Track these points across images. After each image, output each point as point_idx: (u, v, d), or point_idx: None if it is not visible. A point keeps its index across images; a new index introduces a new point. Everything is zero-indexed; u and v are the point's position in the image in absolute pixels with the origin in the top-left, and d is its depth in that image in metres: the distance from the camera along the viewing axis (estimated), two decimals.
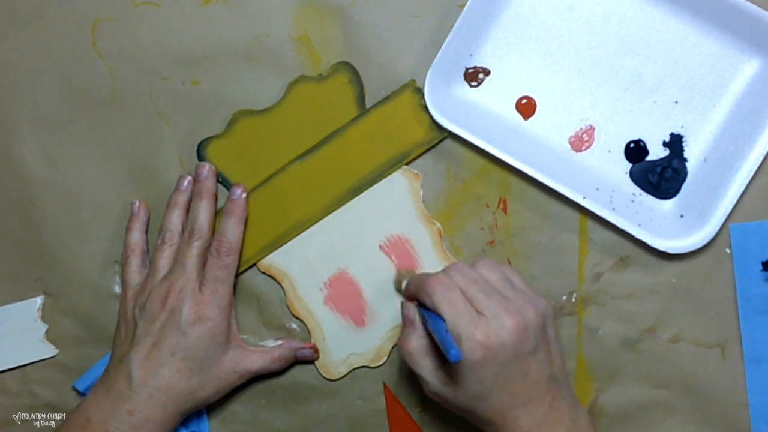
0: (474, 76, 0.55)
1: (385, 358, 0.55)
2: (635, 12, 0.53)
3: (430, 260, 0.54)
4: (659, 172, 0.54)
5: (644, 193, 0.54)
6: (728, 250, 0.53)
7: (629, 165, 0.54)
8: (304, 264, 0.55)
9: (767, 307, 0.52)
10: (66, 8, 0.57)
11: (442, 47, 0.52)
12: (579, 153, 0.54)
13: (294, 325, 0.56)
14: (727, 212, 0.51)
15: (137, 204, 0.56)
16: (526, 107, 0.54)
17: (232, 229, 0.53)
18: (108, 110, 0.57)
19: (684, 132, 0.54)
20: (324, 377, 0.55)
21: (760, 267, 0.52)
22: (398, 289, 0.53)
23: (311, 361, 0.55)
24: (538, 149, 0.54)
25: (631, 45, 0.53)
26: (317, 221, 0.55)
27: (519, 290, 0.47)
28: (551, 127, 0.54)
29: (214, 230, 0.54)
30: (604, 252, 0.54)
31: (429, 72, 0.52)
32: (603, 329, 0.54)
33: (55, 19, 0.57)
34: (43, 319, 0.57)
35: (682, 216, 0.53)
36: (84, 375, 0.56)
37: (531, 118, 0.54)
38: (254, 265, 0.56)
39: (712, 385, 0.53)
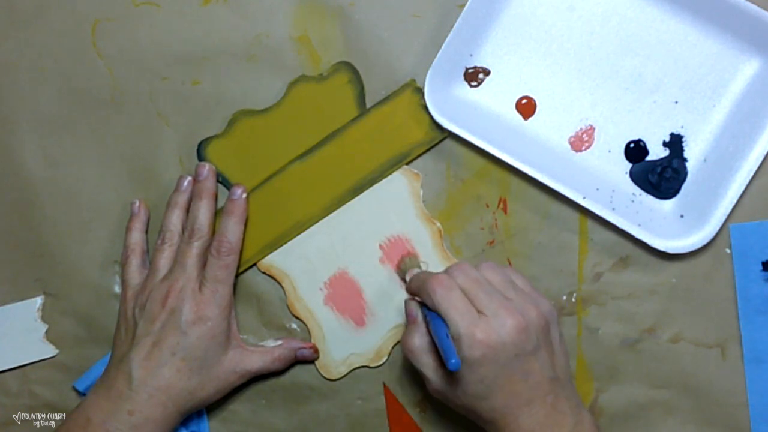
0: (474, 76, 0.55)
1: (385, 358, 0.55)
2: (635, 12, 0.53)
3: (430, 260, 0.54)
4: (659, 172, 0.54)
5: (644, 193, 0.54)
6: (728, 250, 0.53)
7: (629, 165, 0.54)
8: (304, 264, 0.55)
9: (767, 307, 0.52)
10: (66, 8, 0.57)
11: (442, 47, 0.52)
12: (579, 153, 0.54)
13: (294, 325, 0.56)
14: (727, 212, 0.51)
15: (137, 204, 0.56)
16: (526, 107, 0.54)
17: (232, 229, 0.53)
18: (108, 110, 0.57)
19: (684, 132, 0.54)
20: (324, 377, 0.55)
21: (760, 267, 0.52)
22: (402, 277, 0.53)
23: (311, 361, 0.55)
24: (538, 149, 0.54)
25: (631, 45, 0.53)
26: (317, 221, 0.55)
27: (521, 291, 0.47)
28: (551, 127, 0.54)
29: (214, 230, 0.54)
30: (604, 252, 0.54)
31: (429, 72, 0.52)
32: (603, 329, 0.54)
33: (55, 19, 0.57)
34: (43, 319, 0.57)
35: (682, 216, 0.53)
36: (84, 375, 0.56)
37: (531, 118, 0.54)
38: (254, 265, 0.56)
39: (712, 385, 0.53)
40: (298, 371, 0.55)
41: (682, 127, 0.53)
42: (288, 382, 0.55)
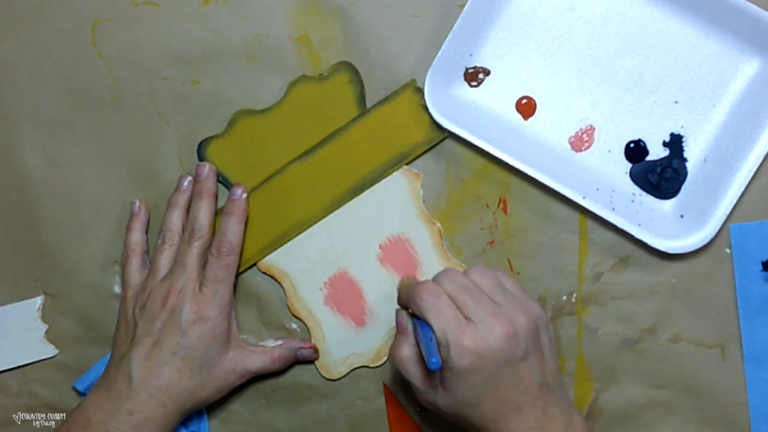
0: (474, 76, 0.55)
1: (385, 358, 0.55)
2: (635, 12, 0.53)
3: (430, 260, 0.54)
4: (659, 172, 0.54)
5: (644, 193, 0.54)
6: (728, 250, 0.53)
7: (629, 165, 0.54)
8: (305, 264, 0.55)
9: (767, 307, 0.52)
10: (66, 8, 0.57)
11: (442, 47, 0.52)
12: (579, 153, 0.54)
13: (294, 325, 0.56)
14: (727, 212, 0.51)
15: (137, 204, 0.56)
16: (526, 107, 0.54)
17: (232, 229, 0.53)
18: (108, 110, 0.57)
19: (684, 132, 0.54)
20: (324, 377, 0.55)
21: (760, 267, 0.52)
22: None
23: (311, 361, 0.55)
24: (538, 149, 0.54)
25: (631, 45, 0.53)
26: (317, 221, 0.55)
27: (511, 295, 0.47)
28: (551, 127, 0.54)
29: (214, 230, 0.54)
30: (604, 252, 0.54)
31: (429, 72, 0.52)
32: (603, 329, 0.54)
33: (55, 19, 0.57)
34: (43, 319, 0.57)
35: (682, 216, 0.53)
36: (84, 375, 0.56)
37: (531, 118, 0.54)
38: (254, 265, 0.56)
39: (712, 385, 0.53)
40: (298, 371, 0.55)
41: (682, 127, 0.53)
42: (288, 382, 0.55)
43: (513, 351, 0.44)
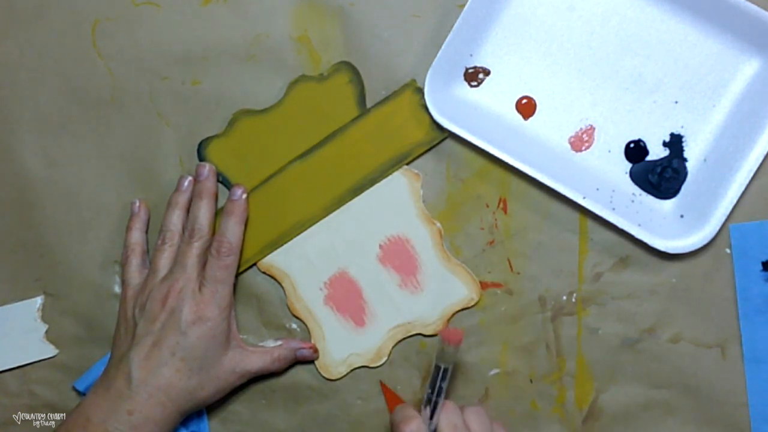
0: (474, 76, 0.55)
1: (385, 358, 0.55)
2: (635, 12, 0.53)
3: (430, 260, 0.54)
4: (659, 172, 0.54)
5: (644, 193, 0.54)
6: (728, 250, 0.53)
7: (629, 165, 0.54)
8: (305, 264, 0.55)
9: (767, 307, 0.52)
10: (66, 8, 0.57)
11: (442, 47, 0.52)
12: (579, 153, 0.54)
13: (294, 325, 0.56)
14: (727, 212, 0.51)
15: (137, 203, 0.56)
16: (526, 107, 0.54)
17: (232, 230, 0.53)
18: (108, 110, 0.57)
19: (684, 132, 0.54)
20: (324, 377, 0.55)
21: (760, 267, 0.52)
22: (439, 357, 0.49)
23: (311, 361, 0.55)
24: (538, 149, 0.54)
25: (631, 45, 0.53)
26: (317, 221, 0.55)
27: None
28: (551, 127, 0.54)
29: (214, 230, 0.54)
30: (604, 252, 0.54)
31: (429, 72, 0.52)
32: (603, 329, 0.54)
33: (55, 19, 0.57)
34: (43, 319, 0.57)
35: (682, 216, 0.53)
36: (84, 375, 0.56)
37: (531, 118, 0.54)
38: (254, 265, 0.56)
39: (712, 385, 0.53)
40: (298, 371, 0.55)
41: (682, 127, 0.53)
42: (288, 382, 0.55)
43: None
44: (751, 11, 0.51)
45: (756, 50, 0.52)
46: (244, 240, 0.54)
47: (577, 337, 0.54)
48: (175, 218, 0.54)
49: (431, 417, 0.47)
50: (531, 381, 0.54)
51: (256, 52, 0.56)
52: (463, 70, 0.54)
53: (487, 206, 0.55)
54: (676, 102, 0.53)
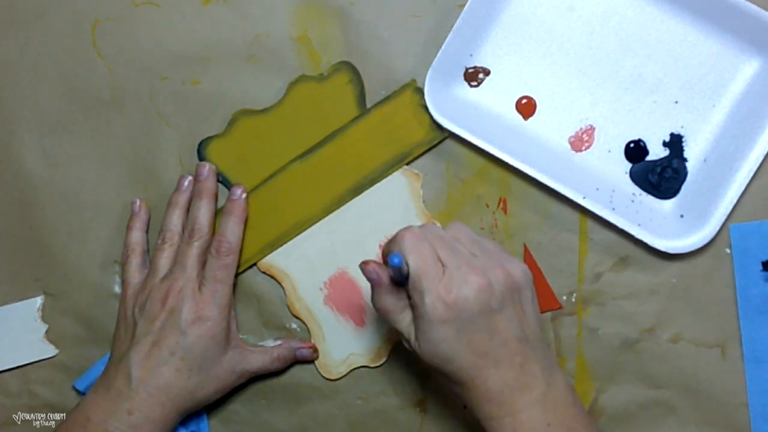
0: (474, 76, 0.55)
1: (385, 358, 0.55)
2: (635, 12, 0.53)
3: None
4: (659, 172, 0.54)
5: (644, 193, 0.54)
6: (728, 250, 0.53)
7: (629, 165, 0.54)
8: (305, 264, 0.55)
9: (767, 307, 0.52)
10: (66, 8, 0.57)
11: (442, 47, 0.52)
12: (579, 153, 0.54)
13: (294, 325, 0.56)
14: (727, 212, 0.51)
15: (138, 203, 0.56)
16: (526, 107, 0.54)
17: (232, 229, 0.53)
18: (108, 110, 0.57)
19: (684, 132, 0.54)
20: (324, 377, 0.55)
21: (760, 267, 0.52)
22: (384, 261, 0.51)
23: (311, 361, 0.55)
24: (538, 149, 0.54)
25: (631, 45, 0.53)
26: (317, 221, 0.55)
27: (489, 251, 0.46)
28: (551, 127, 0.54)
29: (214, 230, 0.54)
30: (604, 252, 0.54)
31: (429, 72, 0.52)
32: (603, 329, 0.54)
33: (55, 19, 0.57)
34: (43, 319, 0.57)
35: (682, 216, 0.53)
36: (84, 375, 0.56)
37: (531, 118, 0.54)
38: (254, 265, 0.56)
39: (712, 385, 0.53)
40: (298, 371, 0.55)
41: (682, 127, 0.53)
42: (288, 382, 0.55)
43: (487, 301, 0.43)
44: (751, 11, 0.51)
45: (756, 50, 0.52)
46: (243, 240, 0.54)
47: (577, 337, 0.54)
48: (175, 218, 0.54)
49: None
50: None
51: (256, 52, 0.56)
52: (463, 70, 0.54)
53: (487, 206, 0.55)
54: (676, 102, 0.53)
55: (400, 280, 0.45)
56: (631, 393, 0.54)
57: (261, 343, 0.55)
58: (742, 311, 0.53)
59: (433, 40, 0.54)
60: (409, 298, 0.45)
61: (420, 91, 0.54)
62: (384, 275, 0.46)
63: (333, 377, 0.55)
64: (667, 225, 0.53)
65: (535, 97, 0.54)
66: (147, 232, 0.56)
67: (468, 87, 0.55)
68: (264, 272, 0.56)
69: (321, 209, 0.55)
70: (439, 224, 0.55)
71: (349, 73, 0.55)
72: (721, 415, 0.53)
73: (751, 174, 0.51)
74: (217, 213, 0.55)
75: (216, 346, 0.51)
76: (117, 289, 0.56)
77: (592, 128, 0.54)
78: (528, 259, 0.54)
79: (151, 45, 0.56)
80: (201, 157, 0.56)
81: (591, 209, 0.52)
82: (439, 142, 0.55)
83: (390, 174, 0.55)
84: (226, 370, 0.52)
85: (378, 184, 0.55)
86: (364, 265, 0.47)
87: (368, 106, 0.55)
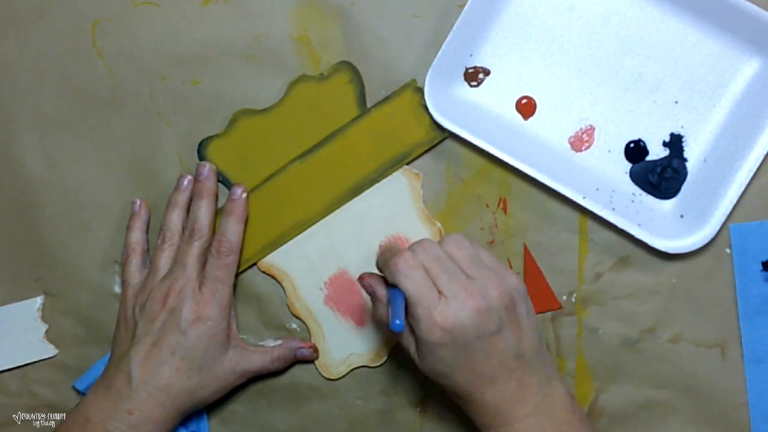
0: (474, 76, 0.55)
1: (385, 358, 0.55)
2: (635, 12, 0.53)
3: None
4: (659, 172, 0.54)
5: (644, 193, 0.54)
6: (728, 250, 0.53)
7: (629, 165, 0.54)
8: (305, 263, 0.55)
9: (767, 307, 0.52)
10: (66, 8, 0.57)
11: (442, 47, 0.52)
12: (579, 153, 0.54)
13: (294, 325, 0.56)
14: (727, 212, 0.51)
15: (138, 203, 0.56)
16: (526, 107, 0.54)
17: (232, 229, 0.53)
18: (108, 110, 0.57)
19: (684, 132, 0.54)
20: (324, 377, 0.55)
21: (760, 267, 0.52)
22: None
23: (311, 361, 0.55)
24: (538, 149, 0.54)
25: (631, 45, 0.53)
26: (318, 221, 0.55)
27: (486, 268, 0.46)
28: (551, 127, 0.54)
29: (215, 230, 0.54)
30: (604, 252, 0.54)
31: (429, 72, 0.52)
32: (603, 329, 0.54)
33: (55, 19, 0.57)
34: (43, 319, 0.57)
35: (682, 216, 0.53)
36: (84, 375, 0.56)
37: (531, 118, 0.54)
38: (254, 265, 0.56)
39: (712, 385, 0.53)
40: (298, 371, 0.55)
41: (682, 127, 0.53)
42: (288, 382, 0.55)
43: (485, 326, 0.44)
44: (751, 11, 0.51)
45: (756, 50, 0.52)
46: (244, 239, 0.54)
47: (577, 337, 0.54)
48: (175, 218, 0.54)
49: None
50: None
51: (256, 52, 0.56)
52: (463, 70, 0.54)
53: (487, 206, 0.55)
54: (676, 102, 0.53)
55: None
56: (631, 393, 0.54)
57: (261, 343, 0.55)
58: (742, 311, 0.53)
59: (433, 40, 0.54)
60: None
61: (420, 91, 0.54)
62: (380, 289, 0.47)
63: (333, 377, 0.55)
64: (667, 225, 0.53)
65: (535, 97, 0.54)
66: (147, 231, 0.56)
67: (468, 87, 0.55)
68: (264, 272, 0.56)
69: (321, 209, 0.55)
70: (439, 224, 0.55)
71: (350, 73, 0.55)
72: (721, 415, 0.53)
73: (751, 174, 0.51)
74: (218, 213, 0.55)
75: (216, 346, 0.51)
76: (117, 289, 0.56)
77: (592, 128, 0.54)
78: (528, 259, 0.54)
79: (151, 45, 0.56)
80: (201, 157, 0.56)
81: (591, 209, 0.52)
82: (439, 142, 0.55)
83: (390, 174, 0.55)
84: (227, 370, 0.52)
85: (378, 184, 0.55)
86: (360, 280, 0.48)
87: (368, 106, 0.55)
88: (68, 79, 0.57)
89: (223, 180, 0.56)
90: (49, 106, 0.57)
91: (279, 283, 0.55)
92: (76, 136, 0.57)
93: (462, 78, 0.55)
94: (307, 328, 0.55)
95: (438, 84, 0.53)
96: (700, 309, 0.53)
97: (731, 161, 0.52)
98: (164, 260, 0.53)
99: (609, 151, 0.54)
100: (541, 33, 0.54)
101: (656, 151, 0.54)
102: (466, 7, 0.52)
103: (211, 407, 0.55)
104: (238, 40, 0.56)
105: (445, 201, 0.55)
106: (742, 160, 0.51)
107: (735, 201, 0.51)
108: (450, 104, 0.54)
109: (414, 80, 0.55)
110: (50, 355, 0.57)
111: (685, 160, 0.54)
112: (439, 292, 0.44)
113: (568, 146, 0.54)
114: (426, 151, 0.55)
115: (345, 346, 0.55)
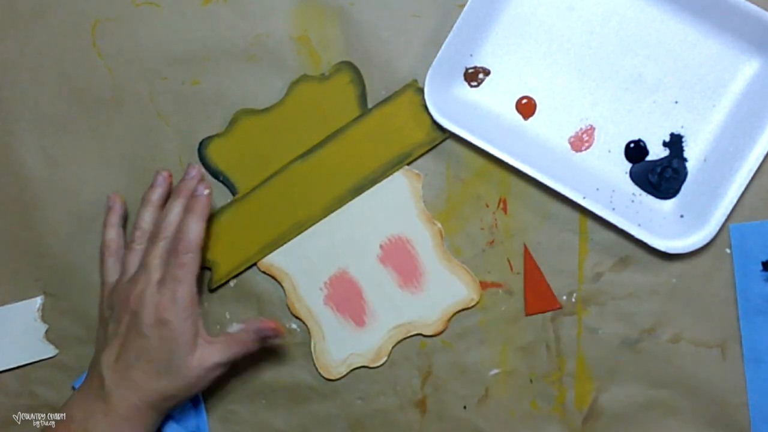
0: (474, 76, 0.55)
1: (385, 358, 0.55)
2: (635, 12, 0.53)
3: (430, 260, 0.54)
4: (659, 172, 0.54)
5: (644, 193, 0.54)
6: (728, 250, 0.53)
7: (629, 165, 0.54)
8: (305, 263, 0.55)
9: (767, 307, 0.52)
10: (66, 8, 0.57)
11: (442, 47, 0.52)
12: (579, 153, 0.54)
13: (294, 325, 0.56)
14: (727, 212, 0.51)
15: (112, 197, 0.55)
16: (526, 107, 0.54)
17: (191, 227, 0.50)
18: (108, 110, 0.57)
19: (684, 132, 0.54)
20: (324, 377, 0.55)
21: (760, 267, 0.52)
22: None
23: (276, 339, 0.53)
24: (538, 149, 0.54)
25: (631, 45, 0.53)
26: (318, 221, 0.55)
27: None
28: (551, 127, 0.54)
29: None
30: (604, 252, 0.54)
31: (429, 72, 0.52)
32: (603, 329, 0.54)
33: (55, 19, 0.57)
34: (43, 319, 0.57)
35: (682, 216, 0.53)
36: (84, 375, 0.56)
37: (531, 118, 0.54)
38: (254, 264, 0.56)
39: (712, 385, 0.53)
40: (298, 371, 0.55)
41: (682, 127, 0.54)
42: (288, 382, 0.55)
43: None
44: (751, 11, 0.51)
45: (756, 50, 0.52)
46: (244, 240, 0.54)
47: (577, 337, 0.54)
48: (147, 216, 0.53)
49: None
50: (531, 381, 0.54)
51: (256, 52, 0.56)
52: (463, 70, 0.54)
53: (487, 206, 0.55)
54: (676, 102, 0.53)
55: None
56: (631, 393, 0.54)
57: (228, 330, 0.52)
58: (742, 311, 0.53)
59: (433, 40, 0.54)
60: None
61: (421, 92, 0.54)
62: None
63: (333, 377, 0.55)
64: (667, 225, 0.53)
65: (535, 97, 0.54)
66: (124, 227, 0.55)
67: (468, 87, 0.55)
68: (264, 272, 0.56)
69: (321, 209, 0.55)
70: (439, 224, 0.55)
71: (350, 73, 0.55)
72: (721, 415, 0.53)
73: (751, 174, 0.51)
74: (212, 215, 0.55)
75: (181, 347, 0.49)
76: None
77: (592, 128, 0.54)
78: (528, 259, 0.54)
79: (151, 45, 0.56)
80: (201, 157, 0.56)
81: (591, 209, 0.52)
82: (440, 143, 0.55)
83: (391, 174, 0.55)
84: (197, 368, 0.50)
85: (379, 184, 0.55)
86: None
87: (369, 106, 0.55)
88: (68, 79, 0.57)
89: (223, 180, 0.56)
90: (49, 106, 0.57)
91: (279, 283, 0.55)
92: (76, 136, 0.57)
93: (462, 78, 0.55)
94: (307, 328, 0.55)
95: (438, 84, 0.53)
96: (700, 309, 0.53)
97: (731, 161, 0.52)
98: (133, 260, 0.52)
99: (609, 151, 0.54)
100: (541, 33, 0.54)
101: (656, 151, 0.54)
102: (466, 7, 0.52)
103: (211, 407, 0.55)
104: (238, 40, 0.56)
105: (446, 201, 0.55)
106: (742, 160, 0.51)
107: (735, 201, 0.51)
108: (450, 104, 0.54)
109: (415, 80, 0.55)
110: (50, 355, 0.57)
111: (685, 160, 0.54)
112: None
113: (568, 146, 0.54)
114: (426, 152, 0.55)
115: (345, 346, 0.55)
